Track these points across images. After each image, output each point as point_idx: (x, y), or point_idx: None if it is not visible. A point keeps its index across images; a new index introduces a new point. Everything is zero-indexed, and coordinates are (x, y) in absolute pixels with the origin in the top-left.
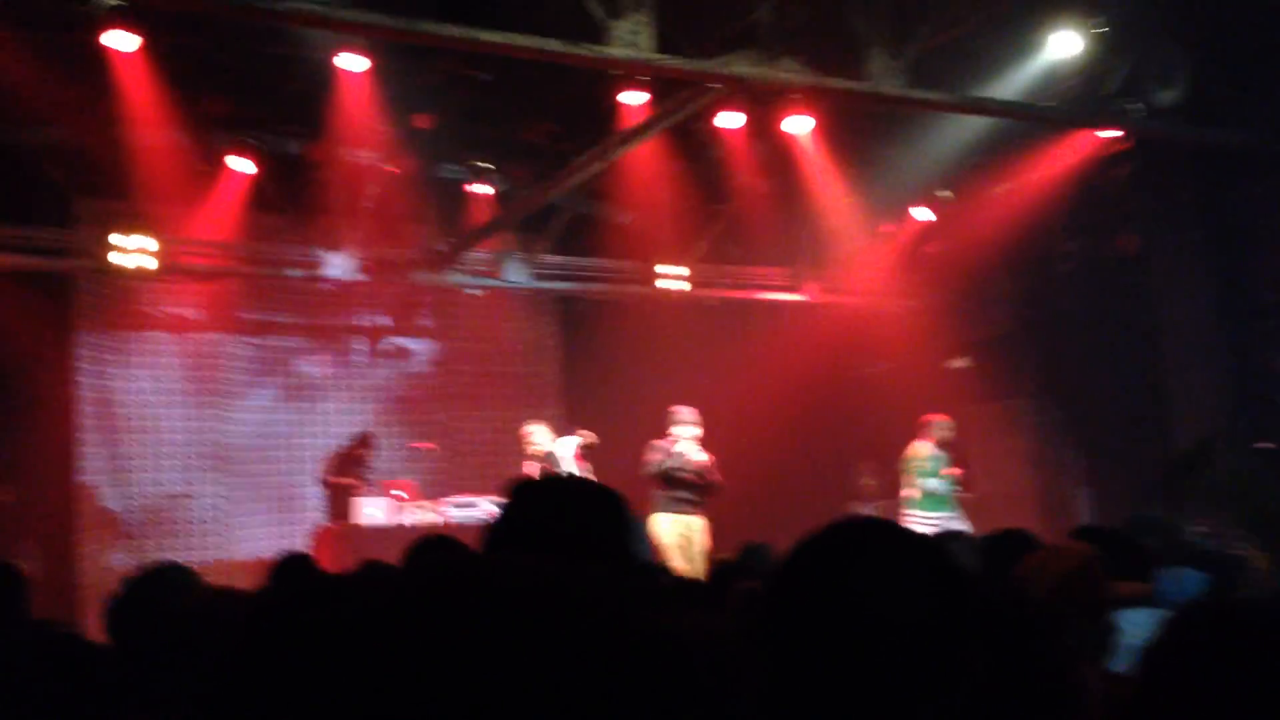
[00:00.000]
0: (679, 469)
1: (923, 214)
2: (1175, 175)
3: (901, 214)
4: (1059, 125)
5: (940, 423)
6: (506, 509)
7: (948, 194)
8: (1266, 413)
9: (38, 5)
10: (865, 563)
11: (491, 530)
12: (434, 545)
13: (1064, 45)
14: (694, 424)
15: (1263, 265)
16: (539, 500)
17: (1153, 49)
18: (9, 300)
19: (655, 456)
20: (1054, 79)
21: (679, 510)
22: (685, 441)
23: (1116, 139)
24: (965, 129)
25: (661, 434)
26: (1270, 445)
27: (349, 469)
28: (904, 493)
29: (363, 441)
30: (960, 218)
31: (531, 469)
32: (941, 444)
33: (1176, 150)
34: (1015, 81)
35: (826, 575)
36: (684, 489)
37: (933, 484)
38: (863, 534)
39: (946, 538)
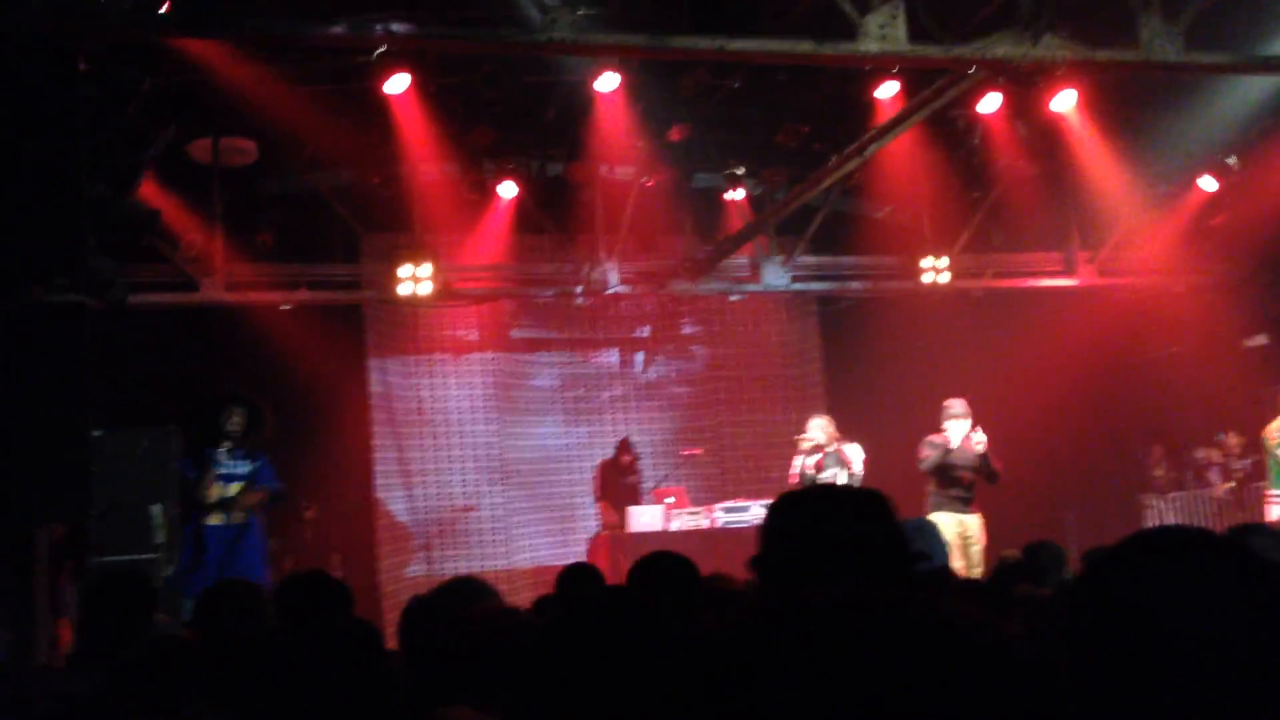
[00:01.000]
0: (955, 465)
1: (1207, 184)
2: None
3: (1183, 186)
4: None
5: None
6: (772, 522)
7: (1234, 161)
8: None
9: (322, 60)
10: (1172, 579)
11: (762, 544)
12: (660, 560)
13: None
14: (965, 416)
15: None
16: (806, 511)
17: None
18: (309, 331)
19: (929, 452)
20: None
21: (954, 509)
22: (959, 436)
23: None
24: (1250, 89)
25: (933, 429)
26: None
27: (617, 480)
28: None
29: (624, 449)
30: (1250, 185)
31: (798, 466)
32: None
33: None
34: None
35: (1129, 594)
36: (958, 486)
37: None
38: (1168, 546)
39: (1245, 532)
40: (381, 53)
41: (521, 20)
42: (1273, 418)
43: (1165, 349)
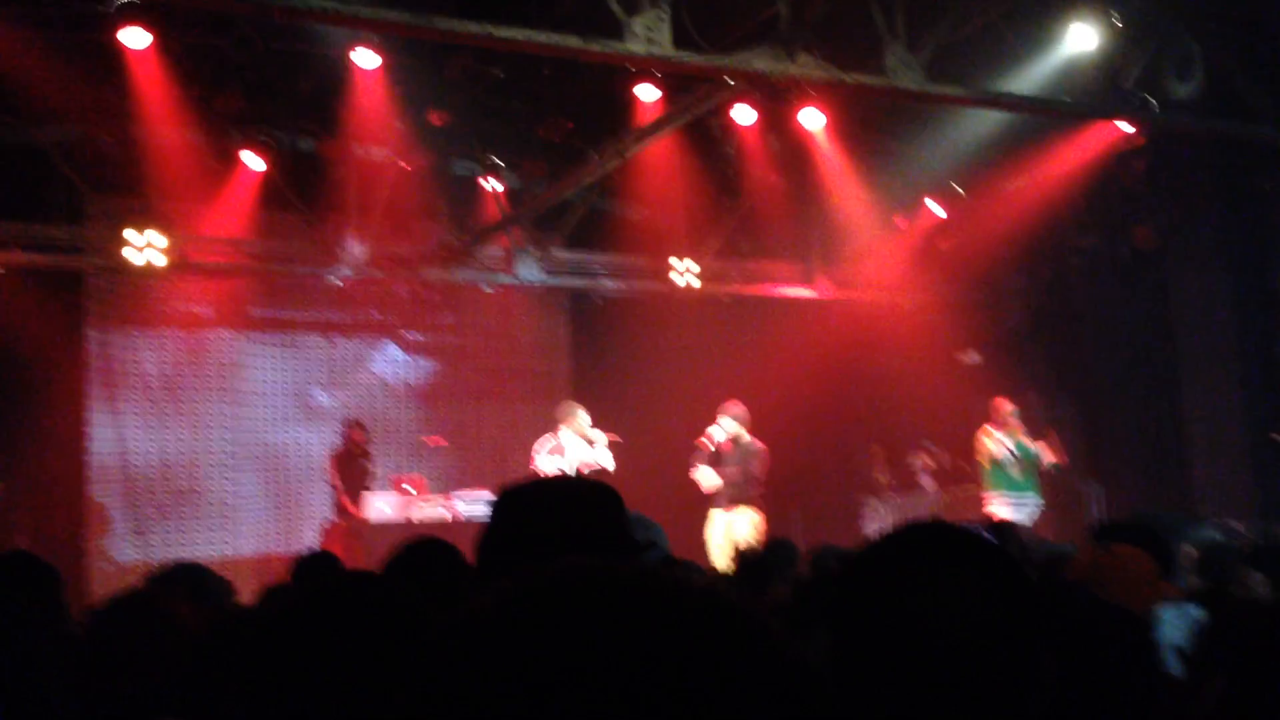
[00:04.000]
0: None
1: (936, 209)
2: (1191, 169)
3: (916, 209)
4: (1075, 119)
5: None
6: (494, 515)
7: (961, 189)
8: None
9: (53, 4)
10: (932, 570)
11: (482, 537)
12: (424, 547)
13: (1081, 39)
14: (738, 417)
15: (1276, 258)
16: (528, 503)
17: (1169, 42)
18: (22, 296)
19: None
20: (1071, 73)
21: (718, 505)
22: (734, 435)
23: (1133, 133)
24: (980, 123)
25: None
26: None
27: (351, 466)
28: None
29: (354, 429)
30: (975, 213)
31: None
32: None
33: (1192, 144)
34: (1032, 75)
35: (892, 584)
36: (724, 484)
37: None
38: (928, 540)
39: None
40: (121, 4)
41: None
42: (982, 427)
43: (891, 360)
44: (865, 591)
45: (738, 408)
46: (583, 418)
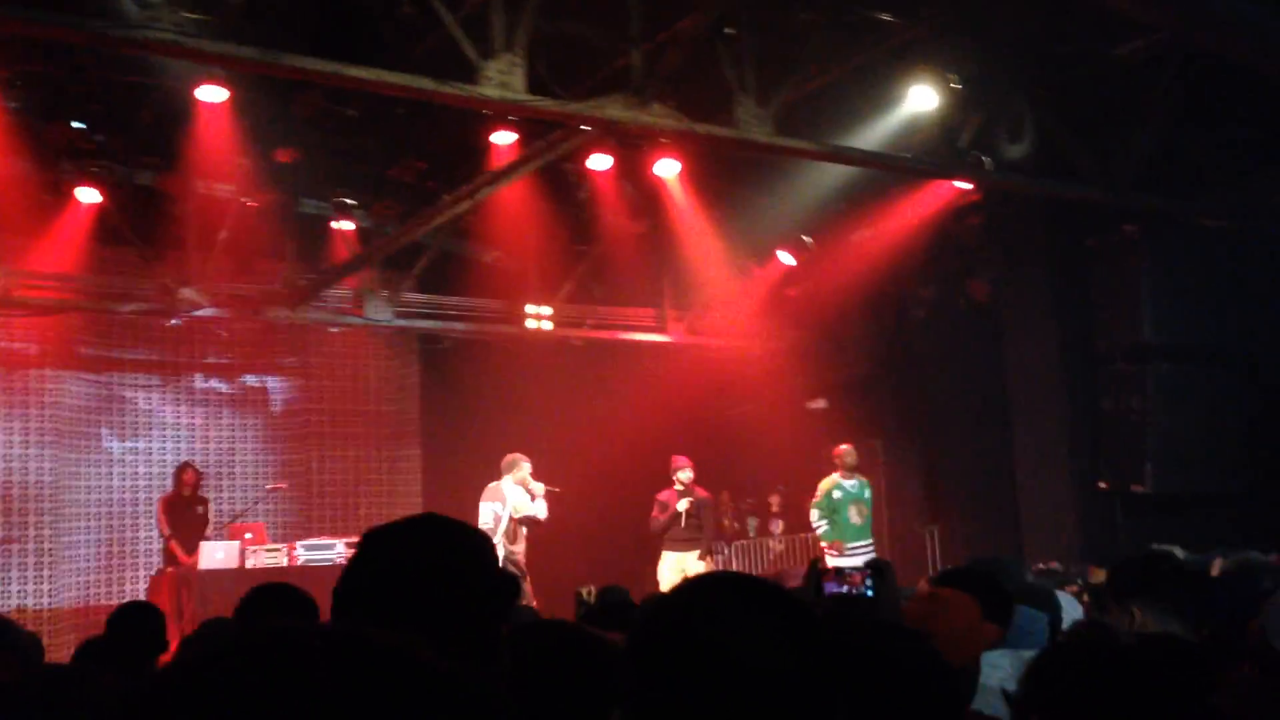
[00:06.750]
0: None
1: (785, 258)
2: (1023, 226)
3: (765, 258)
4: (915, 175)
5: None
6: (355, 557)
7: (809, 239)
8: (1102, 454)
9: None
10: (721, 619)
11: (342, 580)
12: (271, 592)
13: (922, 99)
14: (688, 468)
15: (1100, 314)
16: (392, 544)
17: (1003, 104)
18: None
19: (657, 512)
20: (912, 131)
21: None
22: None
23: (969, 190)
24: (827, 176)
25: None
26: (1106, 486)
27: (183, 511)
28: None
29: (184, 472)
30: (821, 263)
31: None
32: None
33: (1024, 202)
34: (876, 132)
35: (682, 635)
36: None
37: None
38: (717, 590)
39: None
40: None
41: (114, 13)
42: (826, 474)
43: (740, 406)
44: (659, 643)
45: (683, 460)
46: (525, 468)
